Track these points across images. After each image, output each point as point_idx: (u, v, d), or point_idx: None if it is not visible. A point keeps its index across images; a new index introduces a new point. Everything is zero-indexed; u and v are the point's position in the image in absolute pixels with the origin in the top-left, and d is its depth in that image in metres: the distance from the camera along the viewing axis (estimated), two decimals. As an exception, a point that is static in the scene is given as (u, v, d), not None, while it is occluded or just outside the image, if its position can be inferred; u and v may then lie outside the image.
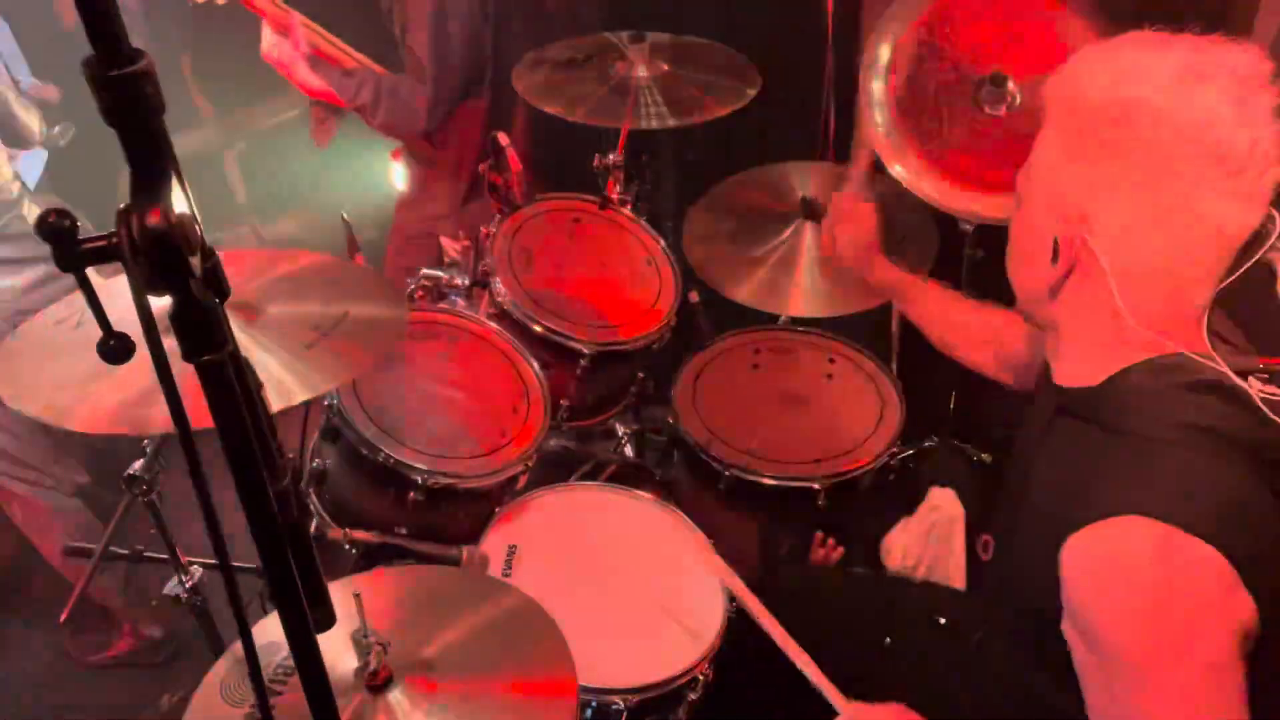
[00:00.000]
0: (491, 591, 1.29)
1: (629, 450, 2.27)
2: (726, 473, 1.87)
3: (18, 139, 2.58)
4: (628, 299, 2.06)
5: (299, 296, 1.33)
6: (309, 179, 3.34)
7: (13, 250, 2.43)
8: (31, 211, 2.46)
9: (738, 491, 1.88)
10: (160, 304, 0.60)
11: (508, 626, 1.19)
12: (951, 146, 2.02)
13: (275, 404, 1.12)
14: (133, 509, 1.53)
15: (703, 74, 2.22)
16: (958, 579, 1.98)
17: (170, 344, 0.61)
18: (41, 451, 2.45)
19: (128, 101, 0.56)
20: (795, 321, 2.20)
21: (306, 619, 0.73)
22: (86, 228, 0.59)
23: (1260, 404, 1.03)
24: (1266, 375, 1.07)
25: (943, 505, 2.06)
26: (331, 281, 1.40)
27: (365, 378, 1.72)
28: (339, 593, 0.90)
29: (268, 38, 2.30)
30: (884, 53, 2.01)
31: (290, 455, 0.76)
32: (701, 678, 1.49)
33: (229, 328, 0.63)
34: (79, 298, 0.85)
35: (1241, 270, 1.06)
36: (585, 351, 1.91)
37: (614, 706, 1.43)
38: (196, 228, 0.60)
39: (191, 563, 1.58)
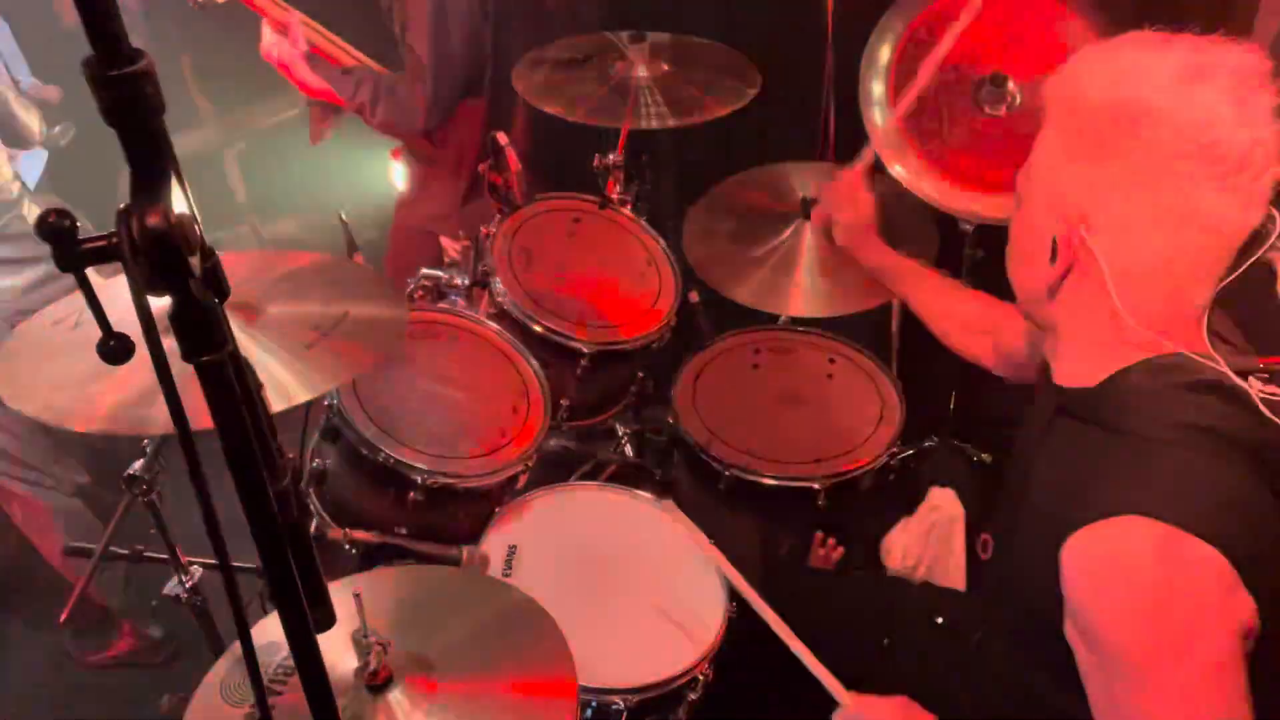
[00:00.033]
0: (491, 591, 1.29)
1: (629, 450, 2.26)
2: (726, 473, 1.87)
3: (18, 139, 2.58)
4: (628, 299, 2.06)
5: (299, 296, 1.33)
6: (309, 178, 3.34)
7: (13, 250, 2.43)
8: (31, 211, 2.46)
9: (738, 491, 1.88)
10: (160, 304, 0.60)
11: (508, 626, 1.19)
12: (951, 146, 2.02)
13: (275, 404, 1.12)
14: (132, 509, 1.54)
15: (703, 74, 2.21)
16: (957, 579, 1.99)
17: (170, 344, 0.61)
18: (41, 451, 2.45)
19: (128, 101, 0.56)
20: (795, 321, 2.19)
21: (306, 619, 0.73)
22: (86, 228, 0.59)
23: (1260, 404, 1.03)
24: (1266, 375, 1.07)
25: (943, 505, 2.06)
26: (331, 281, 1.40)
27: (365, 378, 1.72)
28: (339, 593, 0.90)
29: (267, 36, 2.30)
30: (884, 53, 2.01)
31: (290, 455, 0.75)
32: (701, 678, 1.48)
33: (229, 328, 0.63)
34: (79, 298, 0.85)
35: (1241, 270, 1.06)
36: (585, 351, 1.91)
37: (614, 706, 1.42)
38: (196, 228, 0.60)
39: (191, 563, 1.58)
